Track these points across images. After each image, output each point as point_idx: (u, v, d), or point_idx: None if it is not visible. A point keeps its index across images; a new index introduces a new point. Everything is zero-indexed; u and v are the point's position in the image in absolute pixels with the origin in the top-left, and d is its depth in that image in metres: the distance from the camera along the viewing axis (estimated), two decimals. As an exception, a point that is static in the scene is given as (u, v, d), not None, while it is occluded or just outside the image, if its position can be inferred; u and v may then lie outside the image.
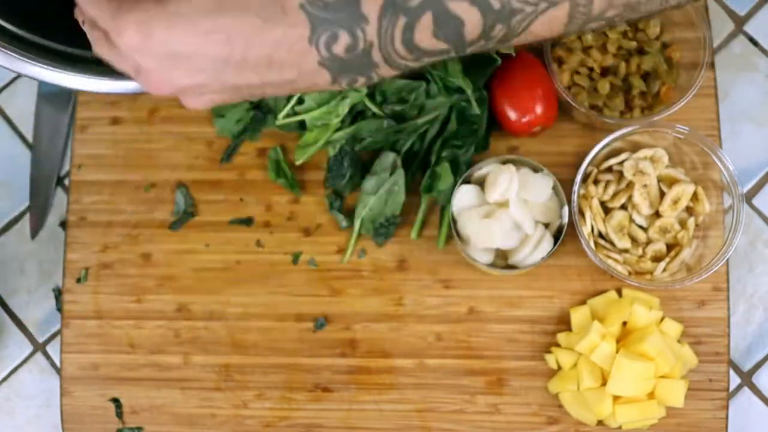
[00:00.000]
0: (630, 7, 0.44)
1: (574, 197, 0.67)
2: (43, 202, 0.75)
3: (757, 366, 0.71)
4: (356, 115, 0.68)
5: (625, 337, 0.67)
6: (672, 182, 0.69)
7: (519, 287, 0.70)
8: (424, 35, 0.42)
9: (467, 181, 0.69)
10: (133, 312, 0.72)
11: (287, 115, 0.68)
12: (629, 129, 0.67)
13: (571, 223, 0.67)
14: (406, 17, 0.41)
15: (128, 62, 0.43)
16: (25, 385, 0.74)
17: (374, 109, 0.67)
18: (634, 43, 0.71)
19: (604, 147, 0.68)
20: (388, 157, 0.69)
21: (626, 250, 0.69)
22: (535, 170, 0.69)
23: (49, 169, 0.76)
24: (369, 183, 0.70)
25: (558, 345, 0.69)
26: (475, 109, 0.67)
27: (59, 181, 0.76)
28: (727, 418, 0.68)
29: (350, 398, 0.70)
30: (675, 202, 0.68)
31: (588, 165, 0.68)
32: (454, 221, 0.68)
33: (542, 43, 0.70)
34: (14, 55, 0.50)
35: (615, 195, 0.69)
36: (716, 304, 0.70)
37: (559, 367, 0.69)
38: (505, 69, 0.69)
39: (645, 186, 0.69)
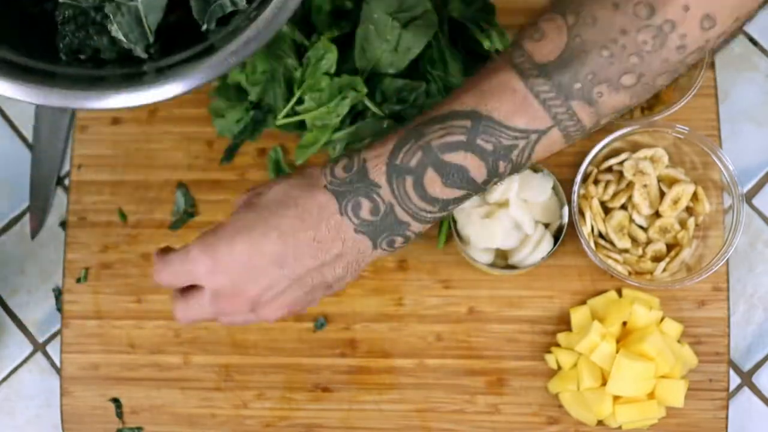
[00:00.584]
0: (619, 111, 0.47)
1: (574, 197, 0.67)
2: (43, 202, 0.75)
3: (757, 366, 0.71)
4: (356, 115, 0.68)
5: (625, 337, 0.67)
6: (672, 182, 0.69)
7: (519, 287, 0.70)
8: (436, 187, 0.47)
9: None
10: (133, 312, 0.72)
11: (287, 115, 0.68)
12: (629, 129, 0.67)
13: (571, 223, 0.67)
14: (412, 176, 0.47)
15: (206, 295, 0.50)
16: (25, 385, 0.74)
17: (374, 109, 0.67)
18: (634, 43, 0.71)
19: (604, 147, 0.68)
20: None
21: (626, 250, 0.69)
22: (535, 170, 0.69)
23: (49, 169, 0.76)
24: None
25: (558, 345, 0.69)
26: None
27: (59, 181, 0.76)
28: (727, 418, 0.68)
29: (350, 398, 0.70)
30: (675, 202, 0.68)
31: (588, 165, 0.68)
32: (454, 221, 0.68)
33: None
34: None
35: (615, 195, 0.69)
36: (716, 304, 0.70)
37: (559, 367, 0.69)
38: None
39: (645, 186, 0.69)
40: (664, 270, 0.68)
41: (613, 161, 0.69)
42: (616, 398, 0.65)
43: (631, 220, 0.70)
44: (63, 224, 0.75)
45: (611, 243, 0.69)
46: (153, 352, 0.71)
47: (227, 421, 0.70)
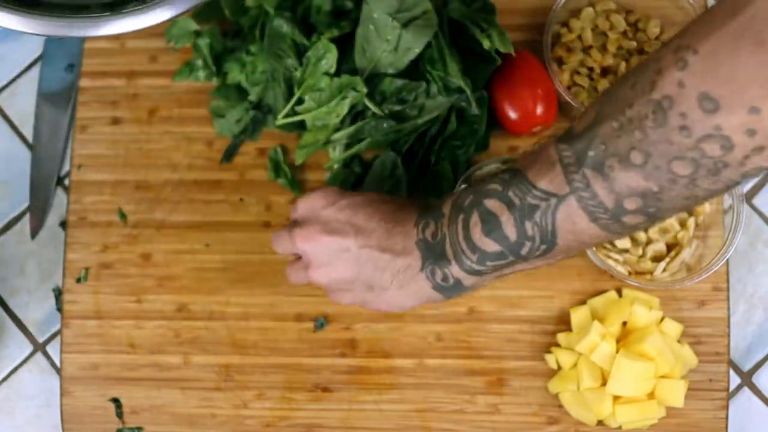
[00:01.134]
0: (641, 195, 0.45)
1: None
2: (43, 202, 0.75)
3: (757, 366, 0.71)
4: (356, 115, 0.68)
5: (625, 337, 0.67)
6: (672, 182, 0.69)
7: (519, 287, 0.70)
8: (477, 232, 0.51)
9: (467, 181, 0.69)
10: (133, 312, 0.72)
11: (287, 115, 0.68)
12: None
13: (571, 223, 0.67)
14: (463, 214, 0.52)
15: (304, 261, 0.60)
16: (25, 385, 0.74)
17: (374, 109, 0.67)
18: (634, 43, 0.71)
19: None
20: (389, 157, 0.69)
21: (626, 250, 0.69)
22: (535, 170, 0.68)
23: (49, 169, 0.76)
24: (370, 183, 0.70)
25: (558, 345, 0.69)
26: (475, 109, 0.67)
27: (59, 181, 0.76)
28: (727, 418, 0.68)
29: (350, 398, 0.70)
30: (675, 202, 0.68)
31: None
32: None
33: (542, 41, 0.70)
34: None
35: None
36: (716, 304, 0.70)
37: (559, 367, 0.69)
38: (505, 69, 0.69)
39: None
40: (664, 270, 0.68)
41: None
42: (616, 398, 0.65)
43: (631, 220, 0.70)
44: (63, 224, 0.75)
45: (611, 243, 0.69)
46: (153, 352, 0.71)
47: (227, 421, 0.70)
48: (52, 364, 0.74)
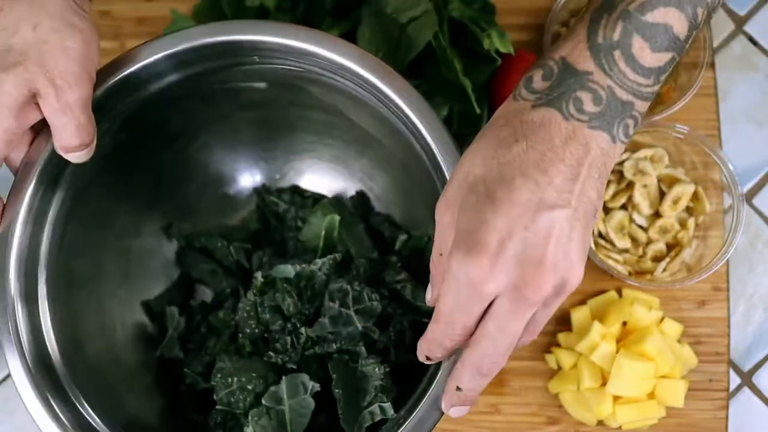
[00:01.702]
0: None
1: (574, 197, 0.67)
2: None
3: (757, 366, 0.71)
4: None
5: (625, 337, 0.67)
6: (672, 182, 0.69)
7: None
8: (646, 56, 0.42)
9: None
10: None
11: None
12: (629, 129, 0.67)
13: (571, 223, 0.67)
14: (619, 49, 0.42)
15: (503, 303, 0.41)
16: (25, 385, 0.74)
17: None
18: (634, 43, 0.71)
19: (604, 147, 0.67)
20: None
21: (626, 250, 0.69)
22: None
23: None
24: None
25: (558, 345, 0.69)
26: (476, 109, 0.67)
27: (59, 181, 0.76)
28: (727, 418, 0.68)
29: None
30: (675, 202, 0.69)
31: (588, 165, 0.67)
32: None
33: (542, 41, 0.70)
34: None
35: (615, 195, 0.69)
36: (716, 304, 0.70)
37: (559, 367, 0.69)
38: (505, 68, 0.69)
39: (645, 186, 0.69)
40: (665, 270, 0.68)
41: (613, 161, 0.69)
42: (616, 398, 0.65)
43: (632, 220, 0.70)
44: (63, 224, 0.75)
45: (611, 243, 0.69)
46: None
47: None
48: (53, 364, 0.74)
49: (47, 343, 0.52)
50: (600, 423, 0.67)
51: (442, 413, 0.47)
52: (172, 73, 0.54)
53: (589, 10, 0.43)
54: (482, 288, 0.40)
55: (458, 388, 0.45)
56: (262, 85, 0.58)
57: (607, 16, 0.42)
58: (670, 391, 0.65)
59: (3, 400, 0.74)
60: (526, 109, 0.42)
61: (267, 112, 0.62)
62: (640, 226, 0.70)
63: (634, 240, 0.70)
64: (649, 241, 0.69)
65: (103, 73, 0.52)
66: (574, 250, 0.41)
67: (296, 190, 0.68)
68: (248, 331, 0.57)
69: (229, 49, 0.53)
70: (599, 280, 0.70)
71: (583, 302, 0.70)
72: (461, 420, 0.69)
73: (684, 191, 0.69)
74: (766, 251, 0.72)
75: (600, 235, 0.69)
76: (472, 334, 0.43)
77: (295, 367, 0.55)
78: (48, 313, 0.52)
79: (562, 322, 0.70)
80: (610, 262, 0.68)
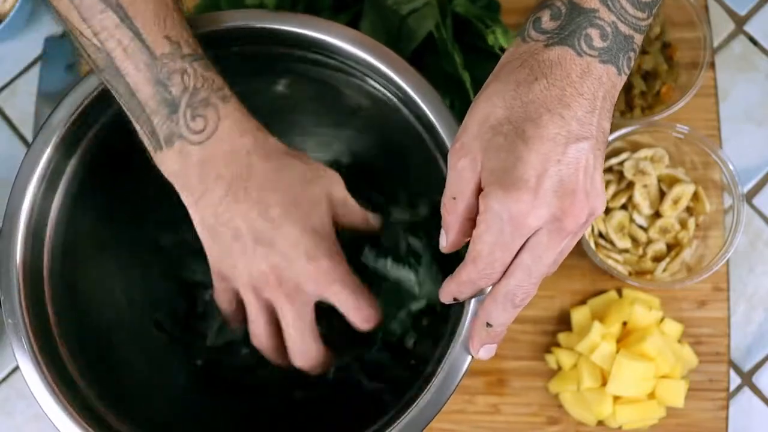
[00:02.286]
0: None
1: (575, 197, 0.67)
2: (43, 202, 0.75)
3: (758, 366, 0.71)
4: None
5: (625, 337, 0.67)
6: (672, 182, 0.69)
7: (519, 287, 0.70)
8: None
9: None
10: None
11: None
12: (629, 129, 0.67)
13: (571, 223, 0.67)
14: None
15: (542, 236, 0.42)
16: (25, 385, 0.73)
17: None
18: (634, 43, 0.71)
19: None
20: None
21: (626, 250, 0.69)
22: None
23: (49, 168, 0.75)
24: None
25: (558, 345, 0.69)
26: None
27: (59, 181, 0.76)
28: (727, 418, 0.68)
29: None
30: (675, 202, 0.69)
31: (588, 165, 0.67)
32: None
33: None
34: None
35: (615, 195, 0.69)
36: (716, 304, 0.70)
37: (559, 367, 0.69)
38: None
39: (645, 186, 0.69)
40: (665, 270, 0.68)
41: (613, 161, 0.69)
42: (616, 398, 0.65)
43: (632, 220, 0.70)
44: (63, 224, 0.75)
45: (611, 243, 0.69)
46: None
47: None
48: (52, 364, 0.74)
49: (49, 317, 0.52)
50: (600, 423, 0.67)
51: (472, 357, 0.47)
52: None
53: None
54: (525, 223, 0.41)
55: (488, 324, 0.46)
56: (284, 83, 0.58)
57: None
58: (670, 391, 0.65)
59: (3, 400, 0.73)
60: (539, 49, 0.43)
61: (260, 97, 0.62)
62: (641, 226, 0.70)
63: (634, 240, 0.70)
64: (650, 241, 0.69)
65: None
66: (598, 178, 0.43)
67: None
68: None
69: (235, 36, 0.53)
70: (599, 280, 0.70)
71: (583, 302, 0.70)
72: (461, 420, 0.69)
73: (684, 191, 0.69)
74: (766, 251, 0.72)
75: (600, 235, 0.69)
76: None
77: None
78: (50, 289, 0.52)
79: (562, 322, 0.70)
80: (611, 262, 0.68)
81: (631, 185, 0.69)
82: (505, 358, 0.70)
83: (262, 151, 0.49)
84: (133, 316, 0.61)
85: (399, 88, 0.52)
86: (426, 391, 0.47)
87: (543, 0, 0.45)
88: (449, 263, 0.59)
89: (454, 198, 0.44)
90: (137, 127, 0.48)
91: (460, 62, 0.65)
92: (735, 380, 0.71)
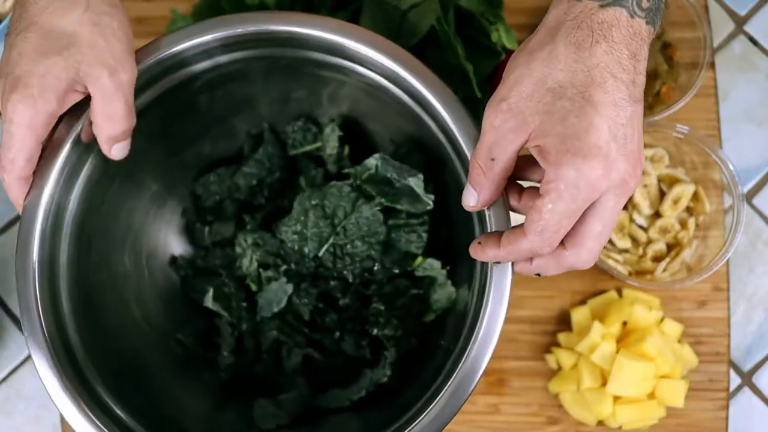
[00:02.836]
0: None
1: (574, 197, 0.67)
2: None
3: (758, 366, 0.71)
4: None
5: (625, 337, 0.67)
6: (672, 182, 0.69)
7: (519, 287, 0.70)
8: None
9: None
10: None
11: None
12: (629, 129, 0.67)
13: (571, 223, 0.67)
14: None
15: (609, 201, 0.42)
16: (25, 385, 0.74)
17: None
18: (634, 43, 0.71)
19: (604, 147, 0.67)
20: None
21: (626, 250, 0.69)
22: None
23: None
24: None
25: (558, 345, 0.69)
26: (477, 93, 0.66)
27: (59, 181, 0.76)
28: (727, 418, 0.68)
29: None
30: (675, 202, 0.68)
31: (588, 165, 0.67)
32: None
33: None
34: None
35: (615, 195, 0.69)
36: (716, 304, 0.70)
37: (559, 367, 0.69)
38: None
39: (645, 186, 0.69)
40: (665, 270, 0.68)
41: (613, 161, 0.69)
42: (616, 398, 0.65)
43: (632, 220, 0.70)
44: (63, 224, 0.75)
45: (611, 243, 0.69)
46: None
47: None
48: (52, 364, 0.74)
49: (64, 314, 0.52)
50: (600, 423, 0.67)
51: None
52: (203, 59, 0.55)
53: None
54: (598, 189, 0.41)
55: (538, 275, 0.46)
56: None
57: None
58: (670, 391, 0.65)
59: (3, 400, 0.73)
60: (594, 10, 0.42)
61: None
62: (641, 226, 0.70)
63: (634, 240, 0.70)
64: (650, 241, 0.69)
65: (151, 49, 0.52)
66: (642, 139, 0.43)
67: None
68: None
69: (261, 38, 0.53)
70: (599, 280, 0.70)
71: (583, 302, 0.70)
72: (461, 420, 0.69)
73: (684, 191, 0.68)
74: (766, 251, 0.72)
75: (600, 235, 0.69)
76: None
77: None
78: (66, 281, 0.53)
79: (562, 322, 0.70)
80: (611, 262, 0.68)
81: (630, 185, 0.69)
82: (505, 358, 0.70)
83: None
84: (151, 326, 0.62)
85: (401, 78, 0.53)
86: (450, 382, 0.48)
87: None
88: (447, 256, 0.59)
89: (493, 159, 0.44)
90: None
91: (462, 54, 0.64)
92: (735, 380, 0.70)
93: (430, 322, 0.60)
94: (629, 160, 0.42)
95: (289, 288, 0.60)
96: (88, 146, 0.52)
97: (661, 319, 0.68)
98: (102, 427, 0.48)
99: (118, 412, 0.51)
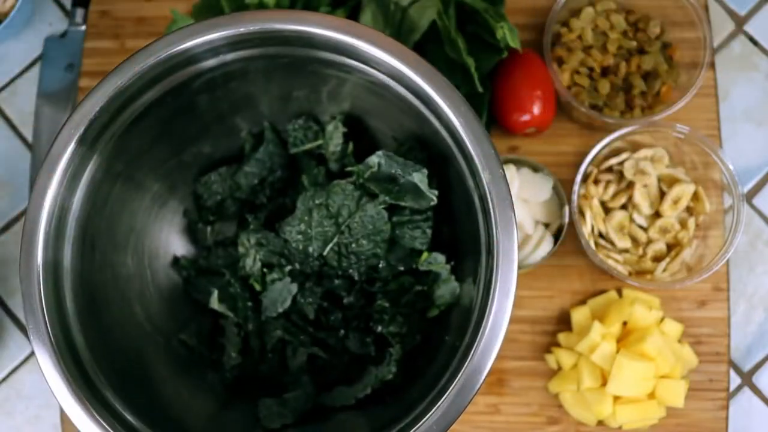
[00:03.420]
0: None
1: (575, 197, 0.67)
2: (43, 202, 0.75)
3: (758, 366, 0.71)
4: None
5: (625, 337, 0.67)
6: (672, 182, 0.69)
7: (519, 287, 0.70)
8: None
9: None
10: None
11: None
12: (629, 129, 0.67)
13: (571, 223, 0.67)
14: None
15: None
16: (25, 385, 0.74)
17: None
18: (634, 43, 0.71)
19: (604, 147, 0.68)
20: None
21: (626, 250, 0.69)
22: (536, 170, 0.69)
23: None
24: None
25: (558, 345, 0.69)
26: (478, 88, 0.66)
27: (59, 181, 0.76)
28: (727, 418, 0.68)
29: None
30: (675, 201, 0.68)
31: (588, 165, 0.68)
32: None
33: (542, 41, 0.70)
34: None
35: (615, 195, 0.69)
36: (716, 304, 0.70)
37: (559, 367, 0.69)
38: (508, 65, 0.69)
39: (645, 186, 0.69)
40: (665, 270, 0.68)
41: (613, 161, 0.69)
42: (616, 398, 0.65)
43: (632, 220, 0.70)
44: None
45: (611, 243, 0.69)
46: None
47: None
48: (52, 364, 0.74)
49: (68, 313, 0.52)
50: (600, 423, 0.67)
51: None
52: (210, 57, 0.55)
53: None
54: None
55: None
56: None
57: None
58: (670, 391, 0.65)
59: (3, 400, 0.73)
60: None
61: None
62: (641, 226, 0.70)
63: (634, 240, 0.70)
64: (650, 241, 0.69)
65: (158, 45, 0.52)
66: None
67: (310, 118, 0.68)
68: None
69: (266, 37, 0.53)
70: (599, 280, 0.70)
71: (583, 302, 0.70)
72: (461, 420, 0.69)
73: (684, 191, 0.69)
74: (766, 251, 0.72)
75: (600, 235, 0.69)
76: None
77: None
78: (70, 282, 0.53)
79: (563, 322, 0.70)
80: (611, 262, 0.68)
81: (631, 185, 0.69)
82: (505, 358, 0.70)
83: None
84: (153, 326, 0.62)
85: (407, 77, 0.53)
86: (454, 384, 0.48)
87: None
88: (451, 252, 0.59)
89: None
90: None
91: (463, 48, 0.64)
92: (735, 380, 0.71)
93: (434, 318, 0.60)
94: None
95: (294, 288, 0.60)
96: (91, 147, 0.52)
97: (661, 319, 0.68)
98: (107, 427, 0.48)
99: (123, 412, 0.51)
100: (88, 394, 0.49)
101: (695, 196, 0.69)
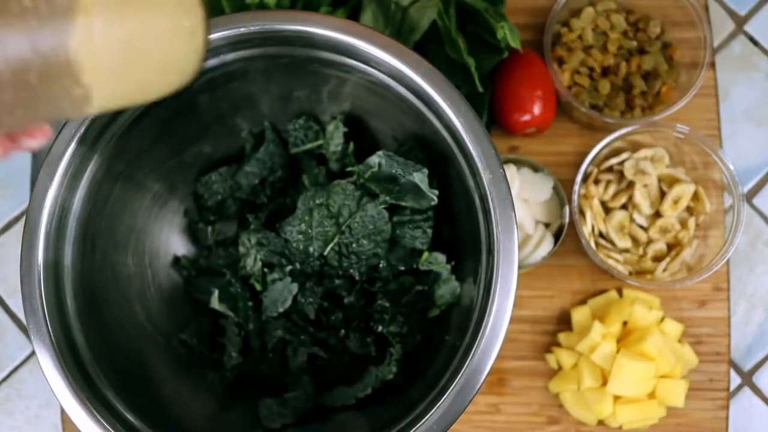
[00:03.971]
0: None
1: (575, 197, 0.67)
2: (43, 202, 0.75)
3: (758, 366, 0.71)
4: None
5: (625, 337, 0.67)
6: (672, 182, 0.69)
7: (519, 287, 0.70)
8: None
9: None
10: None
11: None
12: (630, 129, 0.67)
13: (571, 222, 0.67)
14: None
15: None
16: (25, 385, 0.74)
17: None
18: (634, 43, 0.71)
19: (604, 147, 0.68)
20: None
21: (627, 250, 0.69)
22: (536, 170, 0.69)
23: (49, 168, 0.75)
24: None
25: (558, 345, 0.69)
26: (478, 87, 0.66)
27: (59, 181, 0.76)
28: (727, 418, 0.68)
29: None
30: (675, 201, 0.69)
31: (588, 165, 0.68)
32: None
33: (542, 41, 0.70)
34: None
35: (616, 195, 0.69)
36: (717, 304, 0.70)
37: (560, 367, 0.69)
38: (509, 65, 0.69)
39: (645, 186, 0.69)
40: (665, 270, 0.68)
41: (613, 161, 0.69)
42: (616, 398, 0.65)
43: (632, 220, 0.70)
44: (63, 224, 0.75)
45: (612, 243, 0.69)
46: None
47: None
48: (52, 364, 0.74)
49: (68, 312, 0.52)
50: (600, 423, 0.67)
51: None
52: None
53: None
54: None
55: None
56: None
57: None
58: (670, 391, 0.65)
59: (3, 399, 0.73)
60: None
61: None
62: (641, 226, 0.70)
63: (634, 240, 0.70)
64: (650, 241, 0.69)
65: None
66: None
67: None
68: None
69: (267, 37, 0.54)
70: (600, 280, 0.70)
71: (583, 302, 0.70)
72: (461, 419, 0.69)
73: (684, 191, 0.69)
74: (766, 251, 0.72)
75: (600, 234, 0.69)
76: None
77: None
78: (70, 281, 0.53)
79: (563, 321, 0.70)
80: (611, 262, 0.68)
81: (631, 185, 0.69)
82: (506, 358, 0.70)
83: None
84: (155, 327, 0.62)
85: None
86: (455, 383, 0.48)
87: None
88: (451, 251, 0.59)
89: None
90: None
91: (464, 48, 0.64)
92: (735, 380, 0.71)
93: (435, 318, 0.60)
94: None
95: (294, 288, 0.60)
96: (92, 147, 0.52)
97: (662, 319, 0.68)
98: (107, 426, 0.49)
99: (123, 412, 0.51)
100: (89, 394, 0.49)
101: (695, 196, 0.69)
